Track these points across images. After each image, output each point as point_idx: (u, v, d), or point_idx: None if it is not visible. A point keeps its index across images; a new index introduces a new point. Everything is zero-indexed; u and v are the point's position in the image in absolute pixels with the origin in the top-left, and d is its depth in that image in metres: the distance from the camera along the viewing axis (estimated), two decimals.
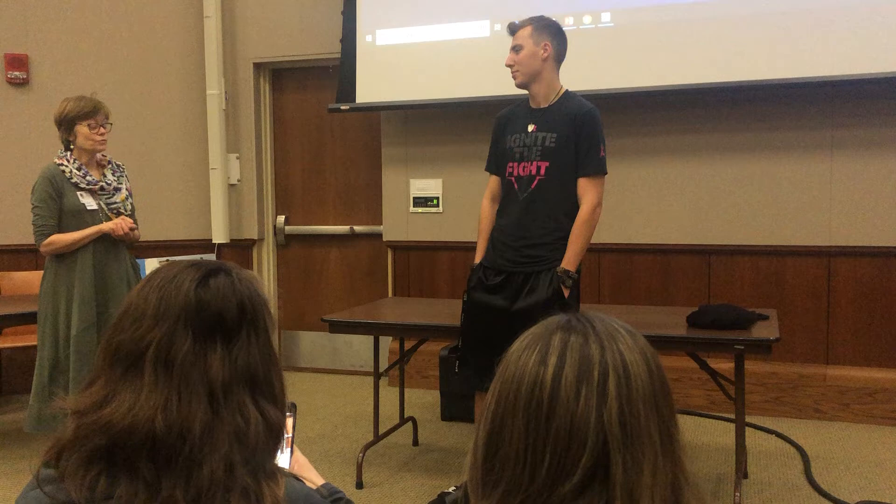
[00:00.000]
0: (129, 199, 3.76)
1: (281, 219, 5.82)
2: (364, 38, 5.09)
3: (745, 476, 3.60)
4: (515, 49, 3.19)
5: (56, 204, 3.52)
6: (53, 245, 3.53)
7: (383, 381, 4.10)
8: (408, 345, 4.18)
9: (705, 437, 4.21)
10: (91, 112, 3.56)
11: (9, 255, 5.25)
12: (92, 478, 1.03)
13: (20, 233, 5.25)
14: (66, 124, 3.56)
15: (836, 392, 4.47)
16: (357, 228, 5.65)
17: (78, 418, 1.06)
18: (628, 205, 4.81)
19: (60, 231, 3.54)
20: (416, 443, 4.20)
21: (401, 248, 5.38)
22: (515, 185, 3.21)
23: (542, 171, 3.15)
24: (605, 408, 0.90)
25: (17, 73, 5.26)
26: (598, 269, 4.90)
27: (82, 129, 3.55)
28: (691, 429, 4.30)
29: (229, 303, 1.10)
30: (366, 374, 4.65)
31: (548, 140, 3.15)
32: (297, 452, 1.38)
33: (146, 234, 5.04)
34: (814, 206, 4.48)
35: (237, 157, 5.64)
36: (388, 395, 4.32)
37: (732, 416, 3.49)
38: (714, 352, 3.63)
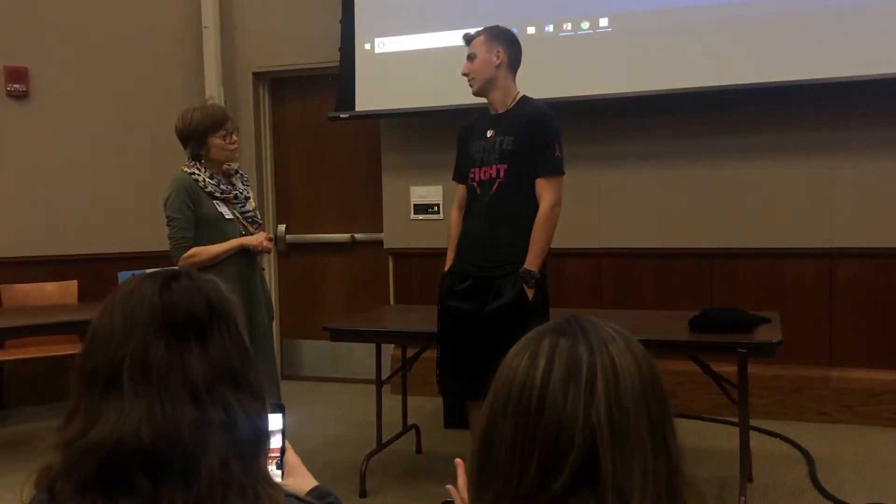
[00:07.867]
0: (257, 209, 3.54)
1: (281, 228, 5.82)
2: (363, 47, 5.10)
3: (750, 480, 3.59)
4: (470, 58, 3.27)
5: (193, 215, 3.27)
6: (194, 258, 3.25)
7: (386, 389, 4.08)
8: (410, 352, 4.17)
9: (709, 441, 4.20)
10: (221, 121, 3.33)
11: (10, 267, 5.24)
12: None
13: (21, 245, 5.26)
14: (198, 137, 3.31)
15: (839, 394, 4.45)
16: (358, 236, 5.65)
17: (64, 450, 1.03)
18: (630, 209, 4.81)
19: (198, 241, 3.29)
20: (419, 451, 4.20)
21: (402, 256, 5.37)
22: (478, 190, 3.25)
23: (502, 174, 3.18)
24: (594, 407, 0.91)
25: (17, 85, 5.27)
26: (600, 273, 4.90)
27: (216, 140, 3.31)
28: (695, 433, 4.29)
29: (197, 301, 1.08)
30: (368, 382, 4.63)
31: (505, 143, 3.18)
32: (289, 453, 1.37)
33: (147, 244, 5.07)
34: (815, 208, 4.48)
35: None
36: (391, 402, 4.31)
37: (736, 420, 3.47)
38: (717, 355, 3.61)
